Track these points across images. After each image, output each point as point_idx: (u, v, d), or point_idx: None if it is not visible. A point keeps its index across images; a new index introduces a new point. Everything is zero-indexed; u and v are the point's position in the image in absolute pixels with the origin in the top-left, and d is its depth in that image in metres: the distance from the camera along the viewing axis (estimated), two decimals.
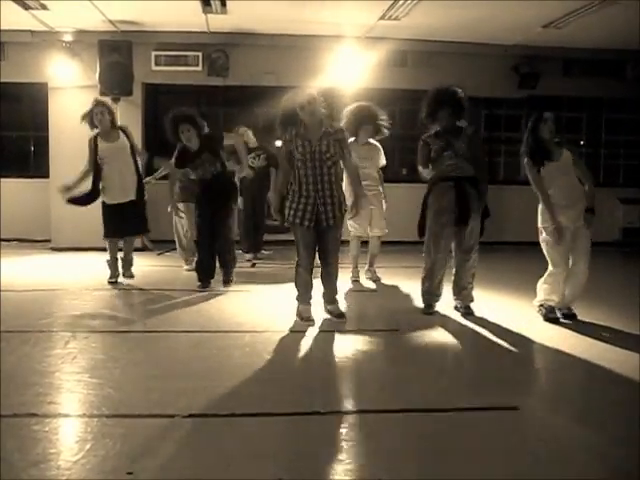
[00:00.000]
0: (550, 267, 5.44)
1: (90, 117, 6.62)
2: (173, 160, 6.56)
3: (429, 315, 5.68)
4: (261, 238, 8.93)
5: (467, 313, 5.68)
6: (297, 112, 5.07)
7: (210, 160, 6.38)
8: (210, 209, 6.48)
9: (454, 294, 5.83)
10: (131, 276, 7.03)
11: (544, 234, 5.42)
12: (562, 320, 5.44)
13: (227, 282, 6.73)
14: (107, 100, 6.89)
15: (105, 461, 2.82)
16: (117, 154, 6.64)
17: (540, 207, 5.45)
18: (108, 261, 6.92)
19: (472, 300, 5.78)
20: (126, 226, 6.74)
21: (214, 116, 11.01)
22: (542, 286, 5.53)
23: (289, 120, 5.14)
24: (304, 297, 5.41)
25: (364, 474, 2.78)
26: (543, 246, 5.46)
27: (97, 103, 6.74)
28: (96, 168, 6.61)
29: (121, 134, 6.72)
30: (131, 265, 7.06)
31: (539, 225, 5.47)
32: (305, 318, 5.33)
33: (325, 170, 5.13)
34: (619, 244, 10.90)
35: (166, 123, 6.40)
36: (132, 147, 6.76)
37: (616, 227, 11.02)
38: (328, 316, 5.48)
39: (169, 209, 7.04)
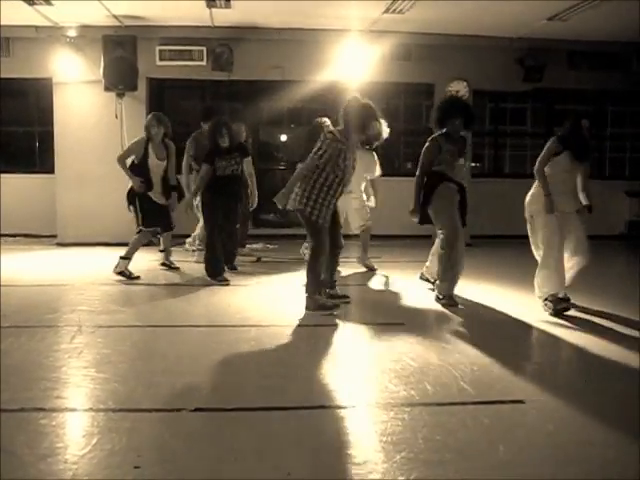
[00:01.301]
0: (544, 251, 5.46)
1: (148, 128, 6.99)
2: (192, 152, 7.66)
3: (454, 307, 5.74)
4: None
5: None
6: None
7: (237, 161, 6.81)
8: (222, 208, 6.78)
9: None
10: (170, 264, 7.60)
11: (535, 217, 5.54)
12: (569, 309, 5.44)
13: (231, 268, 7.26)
14: (162, 116, 7.14)
15: (112, 455, 2.83)
16: (159, 166, 7.02)
17: (529, 196, 5.64)
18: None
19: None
20: (161, 222, 7.14)
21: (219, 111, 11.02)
22: (540, 274, 5.52)
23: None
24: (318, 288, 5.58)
25: (372, 469, 2.79)
26: (539, 232, 5.55)
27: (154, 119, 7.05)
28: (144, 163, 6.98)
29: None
30: (169, 254, 7.66)
31: (527, 215, 5.62)
32: (330, 306, 5.47)
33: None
34: (625, 237, 10.86)
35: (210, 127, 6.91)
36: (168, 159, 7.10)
37: (622, 220, 10.97)
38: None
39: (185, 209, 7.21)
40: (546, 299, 5.50)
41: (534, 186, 5.64)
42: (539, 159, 5.53)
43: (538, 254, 5.57)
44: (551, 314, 5.41)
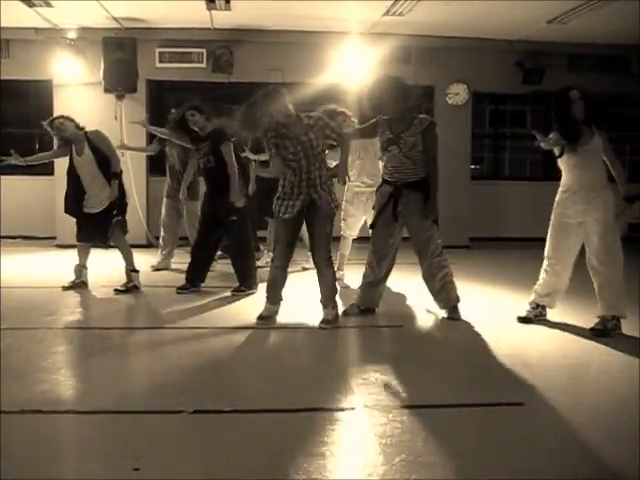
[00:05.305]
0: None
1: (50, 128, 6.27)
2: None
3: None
4: None
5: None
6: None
7: (206, 151, 6.29)
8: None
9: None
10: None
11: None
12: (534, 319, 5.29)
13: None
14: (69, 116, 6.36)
15: (111, 457, 2.83)
16: (84, 167, 6.25)
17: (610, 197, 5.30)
18: (76, 266, 6.54)
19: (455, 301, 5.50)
20: (96, 234, 6.34)
21: (218, 113, 11.02)
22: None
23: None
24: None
25: (372, 471, 2.78)
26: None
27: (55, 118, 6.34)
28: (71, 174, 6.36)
29: (86, 147, 6.20)
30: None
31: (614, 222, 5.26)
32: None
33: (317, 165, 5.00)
34: (626, 239, 10.83)
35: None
36: (99, 156, 6.18)
37: (623, 223, 10.93)
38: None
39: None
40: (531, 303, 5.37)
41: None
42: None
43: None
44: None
